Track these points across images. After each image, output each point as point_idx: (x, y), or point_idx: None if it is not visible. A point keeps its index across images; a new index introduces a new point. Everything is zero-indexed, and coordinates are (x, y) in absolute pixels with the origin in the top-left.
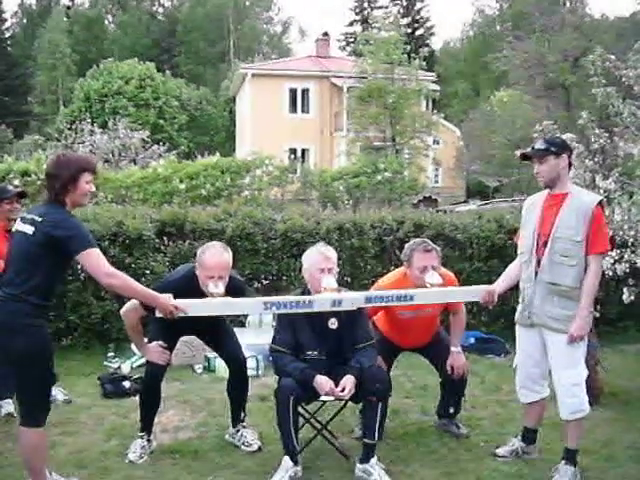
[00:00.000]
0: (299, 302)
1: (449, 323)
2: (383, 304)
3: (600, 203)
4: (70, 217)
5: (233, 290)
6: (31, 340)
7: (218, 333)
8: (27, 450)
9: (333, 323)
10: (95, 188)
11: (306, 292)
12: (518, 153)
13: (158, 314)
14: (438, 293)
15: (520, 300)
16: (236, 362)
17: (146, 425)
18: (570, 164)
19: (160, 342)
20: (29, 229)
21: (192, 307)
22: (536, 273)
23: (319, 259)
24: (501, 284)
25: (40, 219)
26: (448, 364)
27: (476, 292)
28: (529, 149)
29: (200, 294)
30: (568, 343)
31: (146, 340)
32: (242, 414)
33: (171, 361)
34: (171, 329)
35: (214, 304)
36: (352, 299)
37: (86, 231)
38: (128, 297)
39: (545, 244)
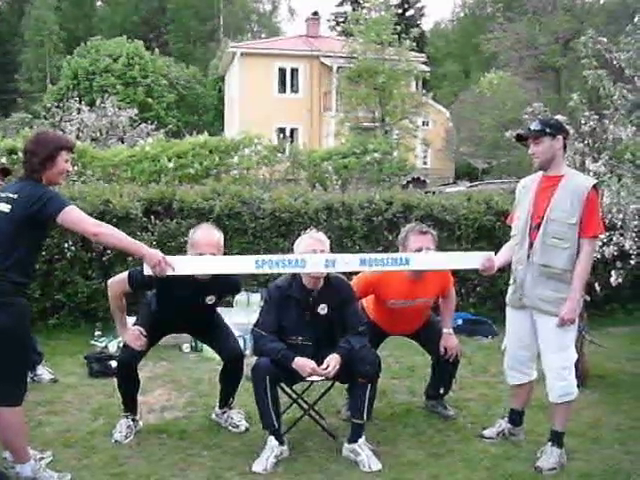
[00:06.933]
0: (292, 261)
1: (438, 305)
2: (378, 267)
3: (595, 186)
4: (44, 187)
5: (228, 286)
6: (10, 319)
7: (210, 329)
8: (5, 430)
9: (323, 308)
10: (83, 167)
11: (296, 277)
12: (514, 134)
13: (146, 271)
14: (436, 259)
15: (511, 282)
16: (233, 357)
17: (129, 406)
18: (565, 146)
19: (141, 328)
20: (6, 207)
21: (181, 263)
22: (529, 255)
23: (310, 242)
24: (500, 257)
25: (16, 196)
26: (441, 345)
27: (475, 259)
28: (525, 129)
29: (188, 285)
30: (558, 326)
31: (131, 323)
32: (231, 400)
33: (146, 349)
34: (161, 323)
35: (203, 261)
36: (346, 260)
37: (62, 195)
38: (116, 248)
39: (538, 226)
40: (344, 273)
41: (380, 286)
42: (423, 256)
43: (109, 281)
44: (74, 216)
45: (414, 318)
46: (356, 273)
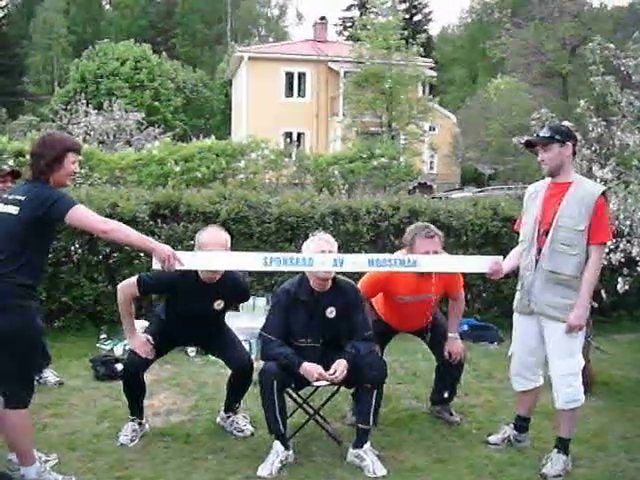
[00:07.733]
0: (299, 259)
1: (447, 308)
2: (386, 268)
3: (604, 193)
4: (52, 189)
5: (236, 291)
6: (17, 320)
7: (218, 339)
8: (11, 433)
9: (331, 312)
10: (90, 170)
11: (304, 279)
12: (522, 140)
13: (155, 265)
14: (443, 261)
15: (519, 287)
16: (242, 367)
17: (135, 410)
18: (574, 153)
19: (149, 337)
20: (14, 209)
21: (190, 259)
22: (537, 261)
23: (319, 243)
24: (508, 263)
25: (24, 198)
26: (446, 350)
27: (483, 262)
28: (534, 136)
29: (197, 289)
30: (566, 332)
31: (140, 330)
32: (237, 405)
33: (153, 358)
34: (169, 334)
35: (212, 257)
36: (354, 260)
37: (69, 195)
38: (125, 244)
39: (546, 233)
40: (350, 275)
41: (389, 283)
42: (431, 258)
43: (119, 286)
44: (82, 214)
45: (422, 314)
46: (363, 274)
